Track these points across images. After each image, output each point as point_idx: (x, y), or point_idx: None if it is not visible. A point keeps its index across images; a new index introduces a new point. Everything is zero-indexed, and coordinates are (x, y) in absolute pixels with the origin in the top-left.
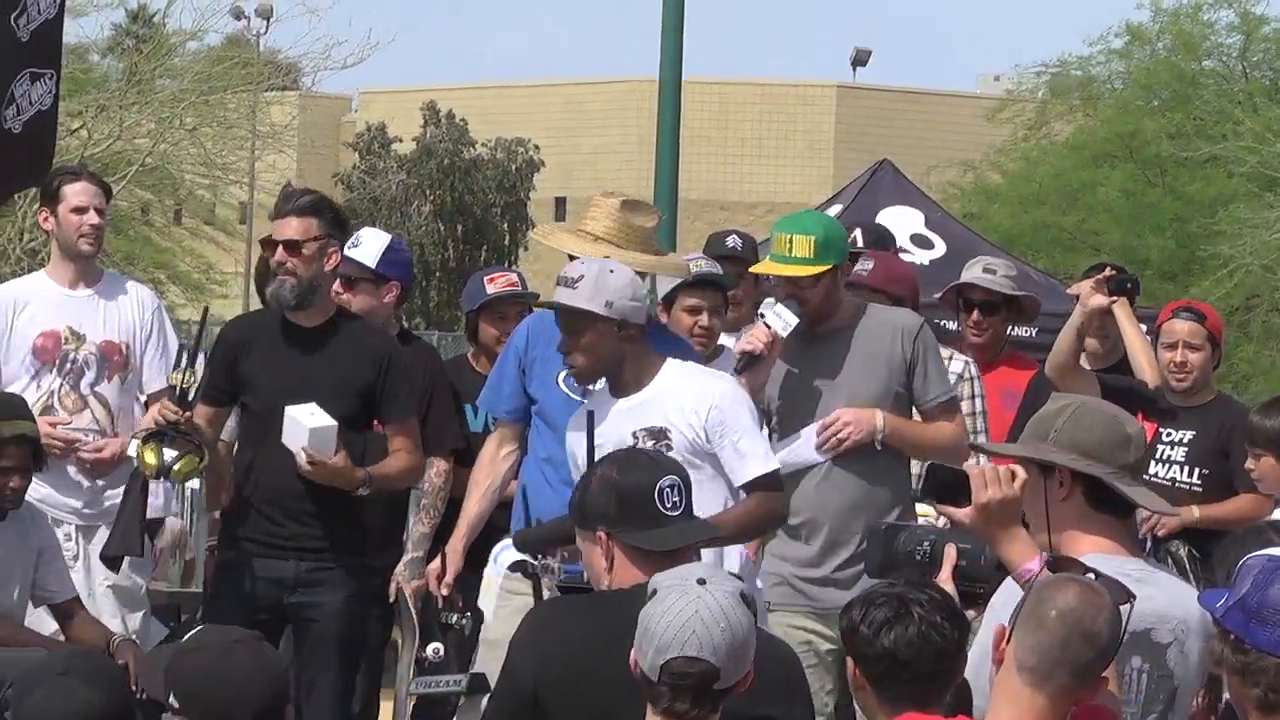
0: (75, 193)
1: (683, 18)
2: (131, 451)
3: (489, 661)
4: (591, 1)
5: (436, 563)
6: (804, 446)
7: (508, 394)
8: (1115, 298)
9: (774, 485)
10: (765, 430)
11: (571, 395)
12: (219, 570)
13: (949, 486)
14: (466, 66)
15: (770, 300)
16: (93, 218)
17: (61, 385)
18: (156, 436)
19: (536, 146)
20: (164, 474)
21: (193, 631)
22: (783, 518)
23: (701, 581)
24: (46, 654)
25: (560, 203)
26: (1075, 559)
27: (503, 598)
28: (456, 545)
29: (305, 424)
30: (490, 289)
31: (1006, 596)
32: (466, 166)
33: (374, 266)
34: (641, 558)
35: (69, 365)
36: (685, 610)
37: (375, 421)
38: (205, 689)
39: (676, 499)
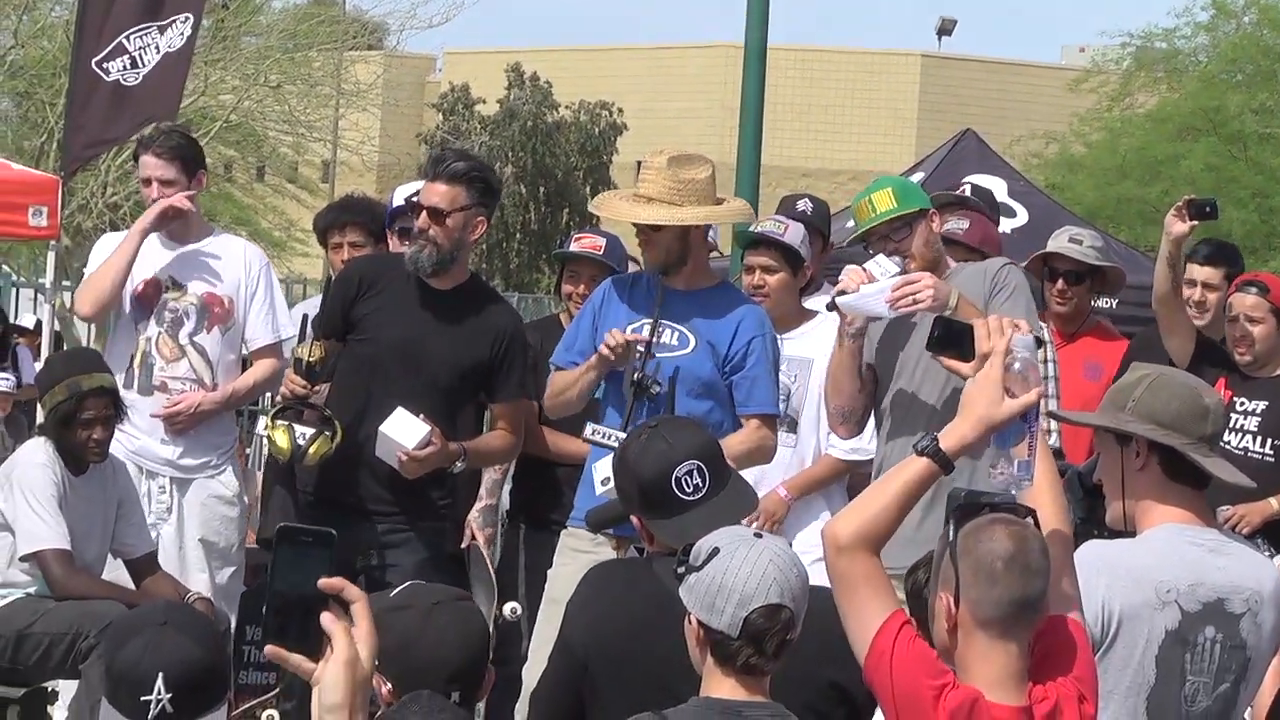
0: (144, 165)
1: None
2: (261, 430)
3: (552, 620)
4: None
5: None
6: (875, 298)
7: (575, 349)
8: (1194, 222)
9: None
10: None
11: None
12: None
13: (954, 338)
14: (552, 29)
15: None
16: (154, 191)
17: (160, 333)
18: (284, 414)
19: (620, 110)
20: (300, 458)
21: (401, 588)
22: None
23: (758, 535)
24: (142, 605)
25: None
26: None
27: (564, 554)
28: None
29: (399, 439)
30: (573, 247)
31: (1092, 557)
32: (549, 129)
33: None
34: (669, 543)
35: (168, 314)
36: (760, 560)
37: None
38: (403, 649)
39: (698, 481)
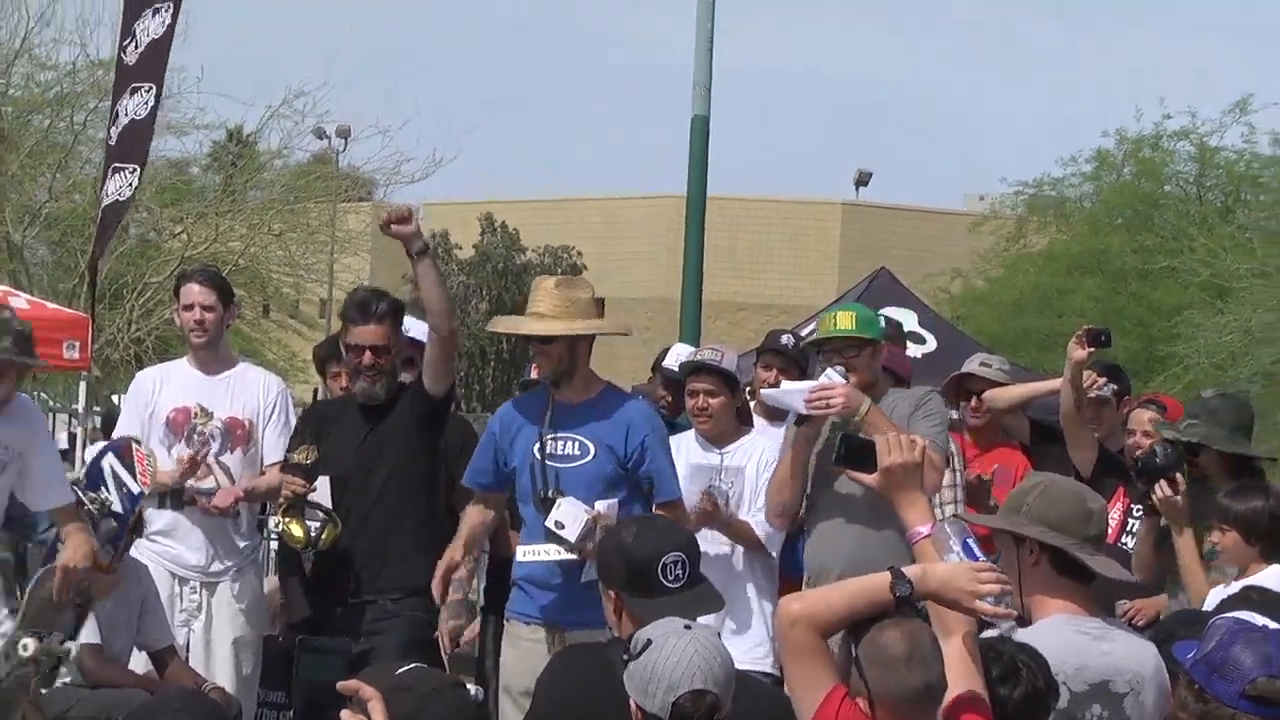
0: (185, 293)
1: (708, 141)
2: (273, 527)
3: (504, 702)
4: (627, 125)
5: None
6: (795, 395)
7: (476, 468)
8: (1092, 348)
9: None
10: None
11: (540, 460)
12: (306, 624)
13: (859, 453)
14: (519, 181)
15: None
16: (196, 314)
17: (189, 455)
18: (289, 510)
19: (579, 253)
20: (315, 544)
21: (407, 668)
22: None
23: (688, 627)
24: (161, 692)
25: (599, 303)
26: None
27: (506, 642)
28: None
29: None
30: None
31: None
32: (518, 270)
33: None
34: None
35: (196, 437)
36: (687, 650)
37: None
38: None
39: (679, 572)
